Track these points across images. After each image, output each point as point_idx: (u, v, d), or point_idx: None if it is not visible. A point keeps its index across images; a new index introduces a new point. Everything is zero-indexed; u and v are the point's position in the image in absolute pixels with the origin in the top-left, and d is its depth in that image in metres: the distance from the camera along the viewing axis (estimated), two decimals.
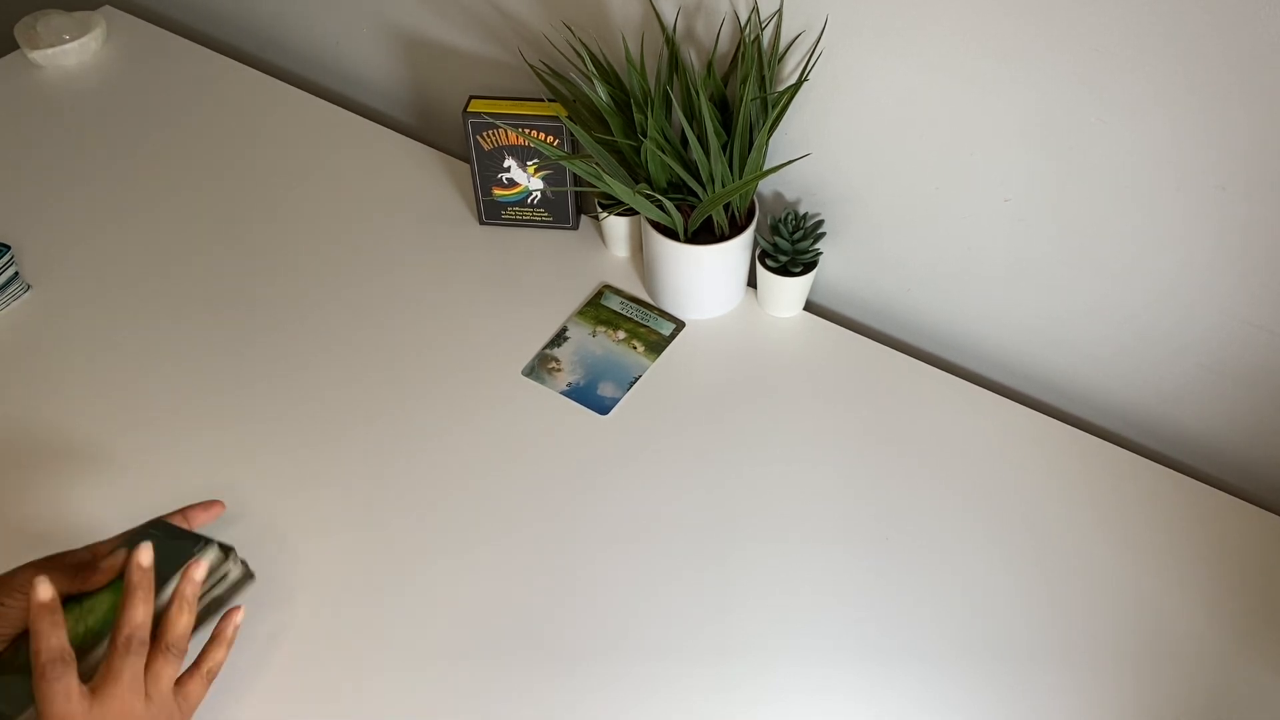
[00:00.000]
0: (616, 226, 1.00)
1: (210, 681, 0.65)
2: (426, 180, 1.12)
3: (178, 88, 1.25)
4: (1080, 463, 0.85)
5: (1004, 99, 0.76)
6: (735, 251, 0.92)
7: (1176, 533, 0.81)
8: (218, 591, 0.69)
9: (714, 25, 0.87)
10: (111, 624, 0.62)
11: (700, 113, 0.80)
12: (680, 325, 0.97)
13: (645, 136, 0.83)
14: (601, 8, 0.93)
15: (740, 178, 0.85)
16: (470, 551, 0.80)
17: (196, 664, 0.65)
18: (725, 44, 0.87)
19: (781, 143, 0.91)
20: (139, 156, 1.15)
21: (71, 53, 1.27)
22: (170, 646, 0.62)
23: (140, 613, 0.60)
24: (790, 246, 0.91)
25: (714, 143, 0.80)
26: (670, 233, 0.90)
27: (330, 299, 0.99)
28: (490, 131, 0.97)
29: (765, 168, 0.86)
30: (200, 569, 0.65)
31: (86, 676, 0.59)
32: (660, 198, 0.85)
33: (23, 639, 0.62)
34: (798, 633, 0.75)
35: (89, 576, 0.65)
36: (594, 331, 0.96)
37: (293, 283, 1.01)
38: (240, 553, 0.72)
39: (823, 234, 0.94)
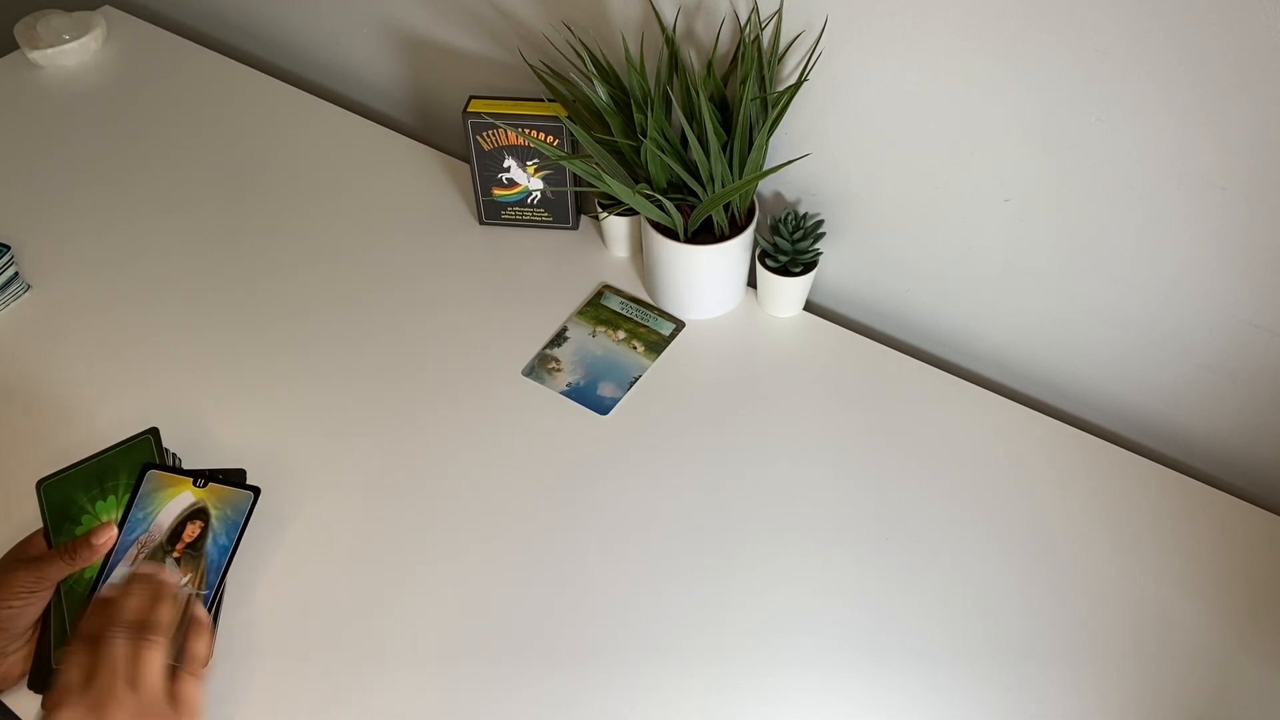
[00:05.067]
0: (616, 226, 1.00)
1: (200, 677, 0.66)
2: (426, 180, 1.12)
3: (178, 88, 1.25)
4: (1080, 462, 0.85)
5: (1004, 99, 0.76)
6: (735, 251, 0.92)
7: (1177, 533, 0.81)
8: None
9: (714, 25, 0.87)
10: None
11: (700, 113, 0.80)
12: (680, 325, 0.97)
13: (645, 136, 0.83)
14: (601, 8, 0.93)
15: (740, 178, 0.85)
16: (470, 551, 0.80)
17: (182, 663, 0.66)
18: (725, 44, 0.87)
19: (781, 143, 0.91)
20: (139, 156, 1.15)
21: (71, 53, 1.27)
22: (149, 631, 0.64)
23: (137, 605, 0.65)
24: (790, 246, 0.91)
25: (714, 143, 0.80)
26: (670, 233, 0.90)
27: (330, 299, 0.99)
28: (490, 131, 0.97)
29: (765, 168, 0.86)
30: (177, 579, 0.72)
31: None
32: (660, 198, 0.85)
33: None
34: (798, 632, 0.75)
35: (88, 555, 0.71)
36: (594, 331, 0.96)
37: (292, 283, 1.01)
38: (239, 555, 0.74)
39: (823, 234, 0.94)
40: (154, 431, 0.80)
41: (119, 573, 0.72)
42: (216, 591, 0.73)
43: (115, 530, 0.73)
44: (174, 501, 0.75)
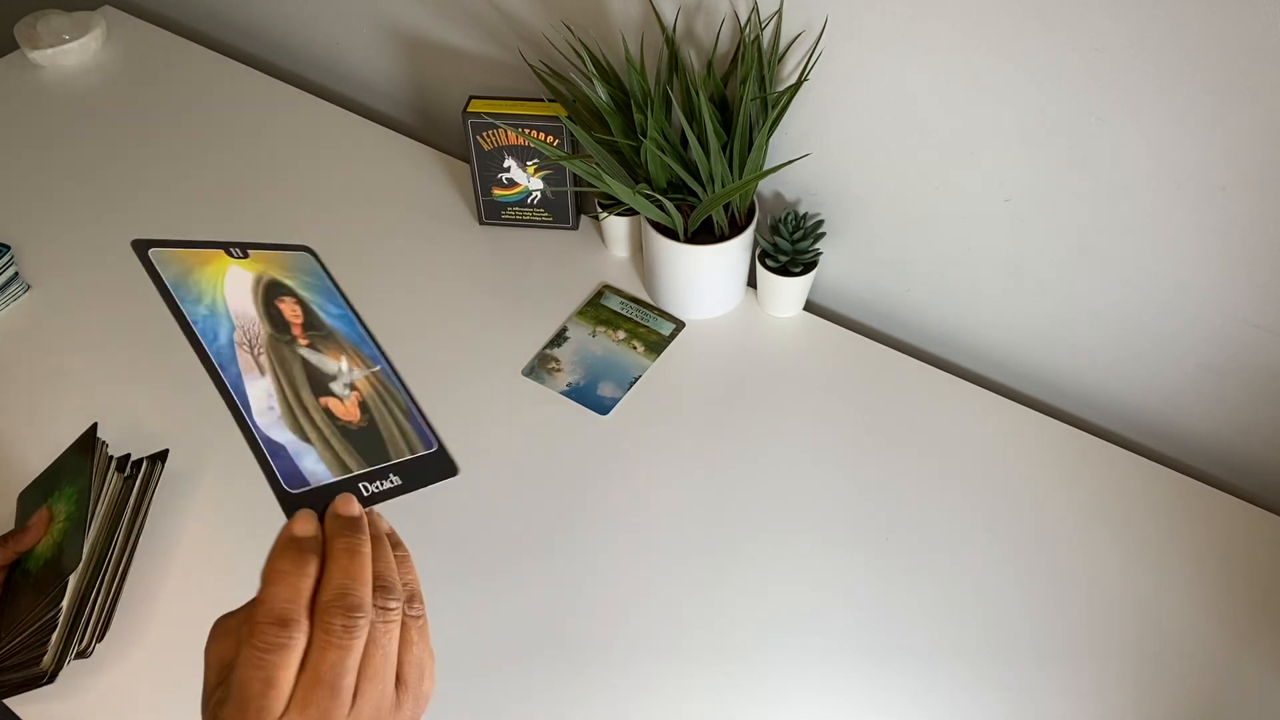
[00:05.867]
0: (616, 226, 1.00)
1: (425, 622, 0.46)
2: (426, 180, 1.12)
3: (178, 88, 1.25)
4: (1080, 462, 0.85)
5: (1004, 99, 0.76)
6: (735, 251, 0.92)
7: (1176, 533, 0.81)
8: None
9: (714, 25, 0.87)
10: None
11: (700, 113, 0.80)
12: (680, 325, 0.97)
13: (645, 136, 0.83)
14: (601, 8, 0.93)
15: (740, 178, 0.85)
16: (468, 551, 0.80)
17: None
18: (725, 44, 0.87)
19: (781, 143, 0.91)
20: (139, 156, 1.15)
21: (71, 53, 1.27)
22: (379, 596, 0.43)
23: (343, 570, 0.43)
24: (790, 246, 0.91)
25: (714, 143, 0.80)
26: (670, 233, 0.90)
27: None
28: (490, 131, 0.97)
29: (765, 168, 0.86)
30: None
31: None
32: (660, 198, 0.85)
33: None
34: (797, 632, 0.75)
35: (20, 538, 0.73)
36: (594, 331, 0.96)
37: None
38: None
39: (823, 234, 0.94)
40: (93, 426, 0.80)
41: (254, 392, 0.48)
42: (384, 357, 0.54)
43: (47, 513, 0.75)
44: (229, 285, 0.51)
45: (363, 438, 0.49)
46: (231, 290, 0.50)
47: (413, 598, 0.45)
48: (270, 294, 0.52)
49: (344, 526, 0.44)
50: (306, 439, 0.47)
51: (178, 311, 0.48)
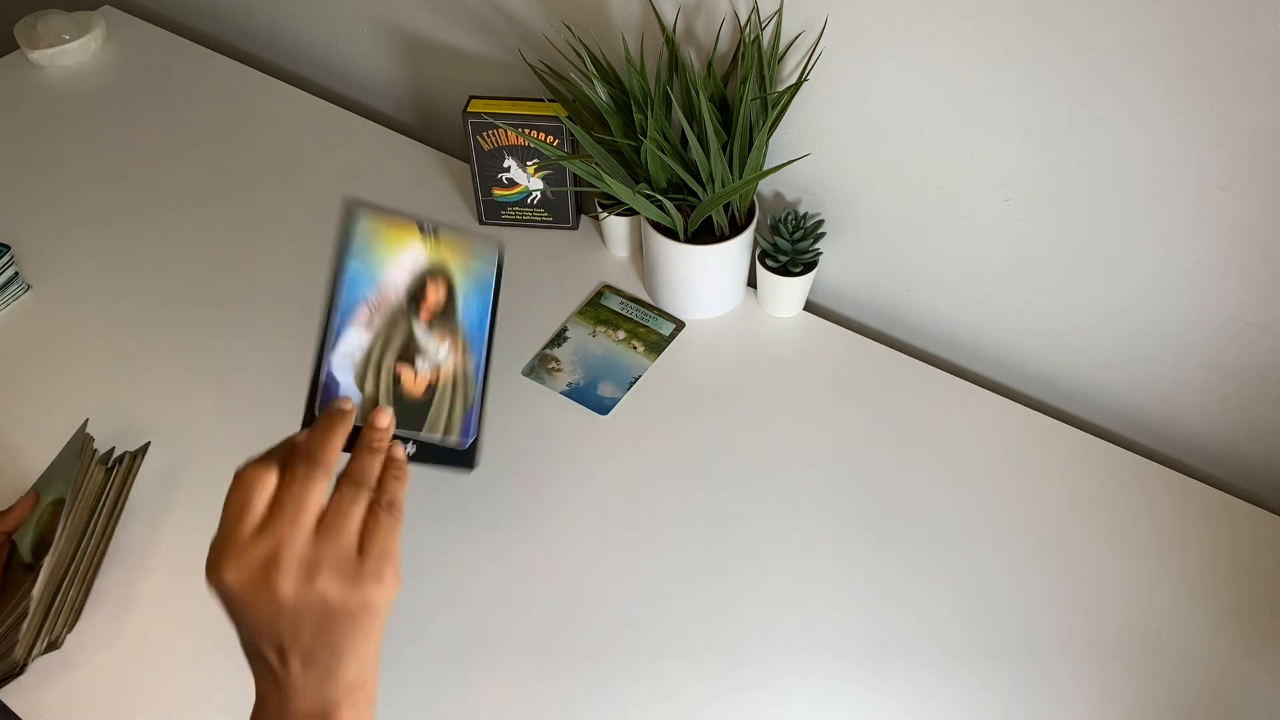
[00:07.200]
0: (616, 226, 1.00)
1: (400, 523, 0.53)
2: (426, 180, 1.12)
3: (178, 88, 1.25)
4: (1080, 462, 0.85)
5: (1004, 99, 0.76)
6: (735, 251, 0.92)
7: (1176, 532, 0.81)
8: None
9: (714, 25, 0.87)
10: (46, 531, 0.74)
11: (700, 113, 0.80)
12: (680, 325, 0.97)
13: (645, 136, 0.83)
14: (601, 8, 0.93)
15: (740, 178, 0.85)
16: (468, 551, 0.80)
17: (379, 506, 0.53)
18: (725, 44, 0.87)
19: (781, 143, 0.91)
20: (138, 156, 1.15)
21: (71, 53, 1.27)
22: (354, 481, 0.53)
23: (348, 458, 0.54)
24: (790, 246, 0.91)
25: (714, 143, 0.80)
26: (670, 233, 0.90)
27: None
28: (490, 131, 0.97)
29: (765, 168, 0.86)
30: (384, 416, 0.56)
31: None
32: (660, 198, 0.85)
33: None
34: (798, 633, 0.75)
35: (4, 517, 0.76)
36: (594, 331, 0.96)
37: (293, 283, 1.01)
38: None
39: (823, 234, 0.94)
40: (84, 423, 0.81)
41: (349, 340, 0.57)
42: (487, 356, 0.60)
43: (35, 495, 0.77)
44: (401, 256, 0.59)
45: (410, 407, 0.57)
46: (398, 262, 0.59)
47: (392, 505, 0.52)
48: (428, 274, 0.59)
49: (367, 429, 0.55)
50: (361, 388, 0.56)
51: (339, 263, 0.57)
